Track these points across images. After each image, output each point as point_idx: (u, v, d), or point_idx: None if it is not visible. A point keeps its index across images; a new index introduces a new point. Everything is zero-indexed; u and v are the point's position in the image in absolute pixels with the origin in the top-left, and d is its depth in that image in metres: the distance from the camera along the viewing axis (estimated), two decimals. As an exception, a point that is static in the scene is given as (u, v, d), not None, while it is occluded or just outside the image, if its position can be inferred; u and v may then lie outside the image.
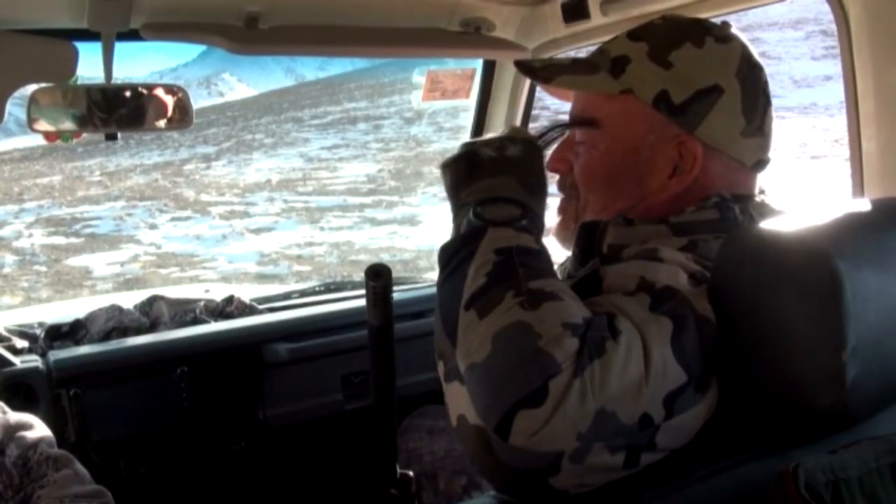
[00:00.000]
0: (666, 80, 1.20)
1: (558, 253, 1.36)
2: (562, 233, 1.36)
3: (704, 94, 1.19)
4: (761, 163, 1.27)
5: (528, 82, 2.52)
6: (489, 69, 2.57)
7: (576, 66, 1.31)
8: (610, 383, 0.86)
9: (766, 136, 1.26)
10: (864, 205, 1.10)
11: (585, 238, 1.22)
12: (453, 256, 1.06)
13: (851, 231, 1.00)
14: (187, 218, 19.59)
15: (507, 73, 2.53)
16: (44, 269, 15.71)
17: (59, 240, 17.85)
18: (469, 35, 2.20)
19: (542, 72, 1.34)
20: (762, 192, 1.29)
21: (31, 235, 18.46)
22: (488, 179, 1.15)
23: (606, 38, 2.12)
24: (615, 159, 1.26)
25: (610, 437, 0.86)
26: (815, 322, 0.92)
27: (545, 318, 0.90)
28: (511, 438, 0.85)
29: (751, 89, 1.23)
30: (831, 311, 0.90)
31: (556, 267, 1.37)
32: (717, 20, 1.31)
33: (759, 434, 0.97)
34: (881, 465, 0.88)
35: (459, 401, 0.94)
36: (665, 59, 1.21)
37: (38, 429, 1.64)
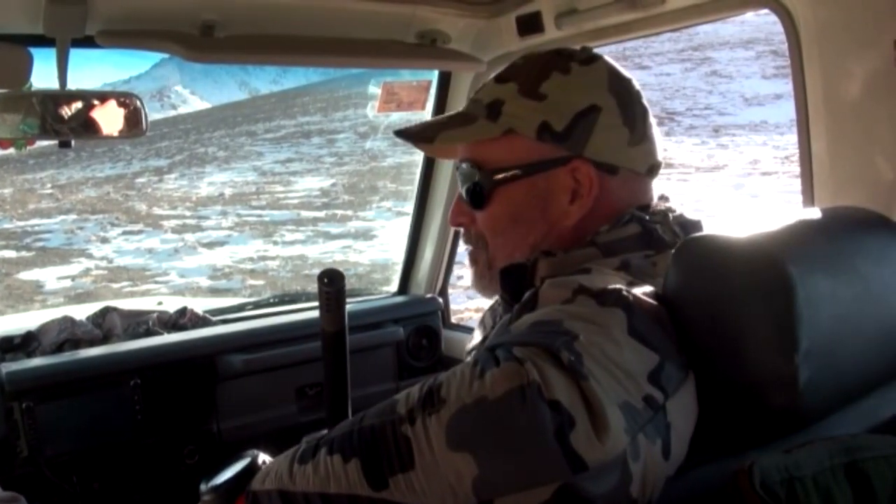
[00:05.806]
0: (543, 112, 1.23)
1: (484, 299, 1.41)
2: (479, 282, 1.36)
3: (583, 115, 1.22)
4: (655, 167, 1.30)
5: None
6: (444, 81, 2.59)
7: (453, 120, 1.34)
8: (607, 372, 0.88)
9: (651, 141, 1.29)
10: (814, 213, 1.13)
11: (511, 280, 1.24)
12: None
13: (803, 238, 1.03)
14: (139, 231, 19.33)
15: (462, 84, 2.55)
16: (-7, 282, 15.43)
17: (10, 253, 17.51)
18: (425, 47, 2.21)
19: (423, 133, 1.35)
20: (664, 198, 1.31)
21: (-20, 249, 18.13)
22: None
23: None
24: (516, 199, 1.27)
25: (639, 425, 0.87)
26: (768, 325, 0.94)
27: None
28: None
29: (626, 100, 1.26)
30: (784, 314, 0.92)
31: (484, 312, 1.40)
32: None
33: (716, 435, 0.99)
34: (835, 465, 0.90)
35: None
36: (537, 93, 1.24)
37: None
